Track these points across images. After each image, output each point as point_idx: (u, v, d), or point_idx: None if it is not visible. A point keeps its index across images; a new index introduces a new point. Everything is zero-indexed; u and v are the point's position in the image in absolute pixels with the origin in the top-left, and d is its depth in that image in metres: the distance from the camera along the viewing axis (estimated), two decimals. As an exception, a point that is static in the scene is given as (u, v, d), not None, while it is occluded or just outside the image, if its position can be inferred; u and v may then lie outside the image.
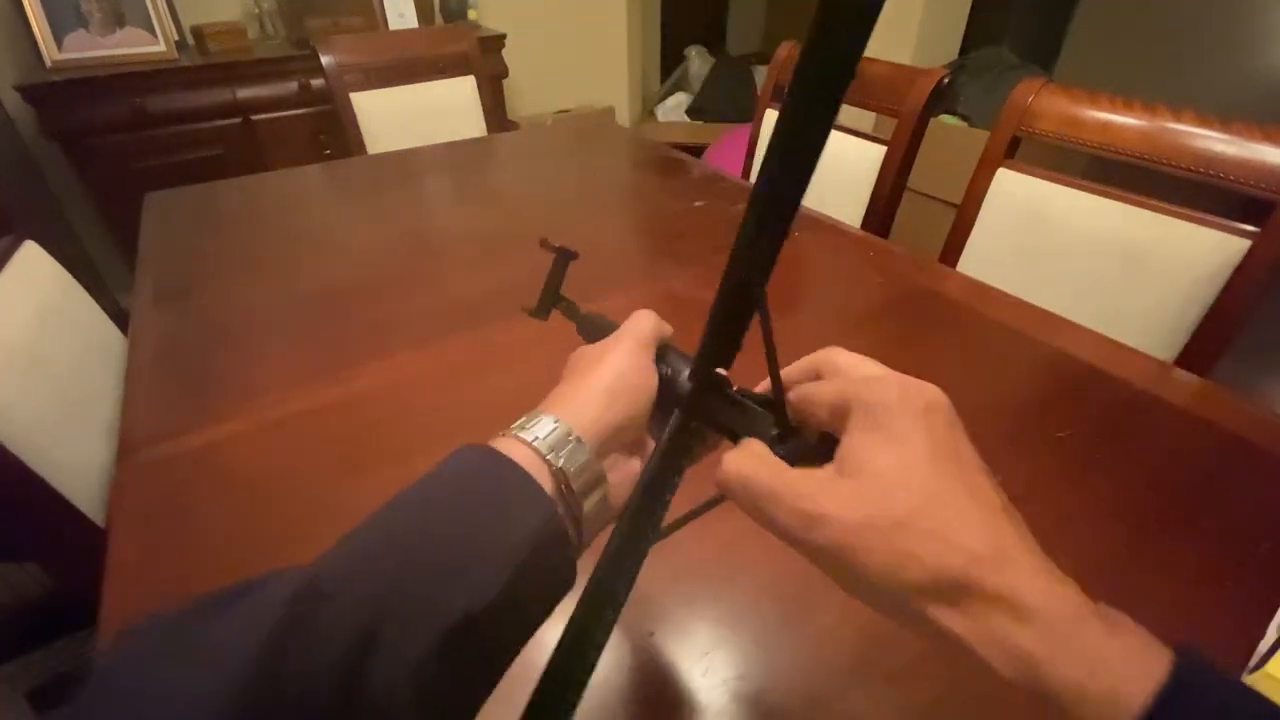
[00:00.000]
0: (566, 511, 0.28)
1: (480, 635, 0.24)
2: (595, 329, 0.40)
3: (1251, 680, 0.40)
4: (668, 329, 0.35)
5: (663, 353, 0.34)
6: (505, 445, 0.28)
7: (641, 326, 0.34)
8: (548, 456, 0.28)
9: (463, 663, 0.23)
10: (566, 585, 0.28)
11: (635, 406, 0.31)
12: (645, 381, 0.32)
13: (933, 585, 0.21)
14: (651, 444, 0.34)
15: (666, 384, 0.33)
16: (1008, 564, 0.21)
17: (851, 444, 0.24)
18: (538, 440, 0.28)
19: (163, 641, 0.21)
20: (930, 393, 0.25)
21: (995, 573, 0.20)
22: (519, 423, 0.29)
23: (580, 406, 0.30)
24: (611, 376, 0.31)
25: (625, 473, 0.32)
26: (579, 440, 0.29)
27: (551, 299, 0.44)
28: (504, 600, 0.24)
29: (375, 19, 2.12)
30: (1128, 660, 0.19)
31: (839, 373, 0.28)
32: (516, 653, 0.26)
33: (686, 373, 0.33)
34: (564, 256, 0.43)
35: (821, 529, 0.22)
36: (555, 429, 0.28)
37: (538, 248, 0.42)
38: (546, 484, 0.27)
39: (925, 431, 0.23)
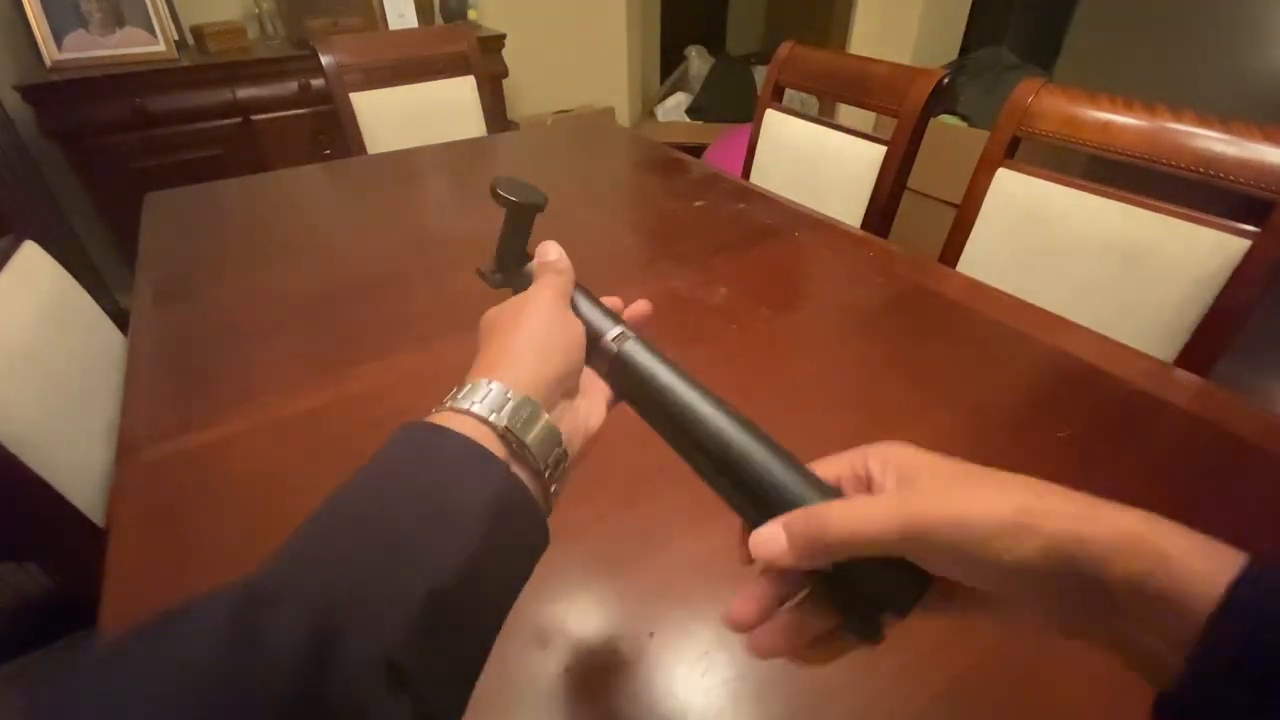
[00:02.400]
0: (527, 472, 0.28)
1: (456, 608, 0.23)
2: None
3: (1251, 680, 0.39)
4: (563, 260, 0.36)
5: (574, 301, 0.35)
6: (444, 418, 0.27)
7: (554, 280, 0.35)
8: (490, 419, 0.27)
9: (443, 637, 0.23)
10: (539, 545, 0.28)
11: (569, 357, 0.32)
12: (572, 332, 0.33)
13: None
14: (592, 389, 0.35)
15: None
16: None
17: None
18: (475, 406, 0.27)
19: (88, 693, 0.19)
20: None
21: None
22: (451, 394, 0.29)
23: (512, 366, 0.29)
24: (539, 333, 0.31)
25: (571, 422, 0.32)
26: (523, 398, 0.28)
27: (519, 259, 0.38)
28: (473, 571, 0.24)
29: (375, 19, 2.12)
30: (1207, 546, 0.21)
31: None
32: (504, 615, 0.26)
33: (607, 330, 0.34)
34: (522, 210, 0.36)
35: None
36: (490, 391, 0.28)
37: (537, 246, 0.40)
38: (496, 448, 0.27)
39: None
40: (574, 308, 0.35)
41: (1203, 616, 0.20)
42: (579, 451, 0.32)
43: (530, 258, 0.38)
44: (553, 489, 0.29)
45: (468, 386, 0.28)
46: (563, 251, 0.37)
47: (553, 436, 0.29)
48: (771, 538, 0.26)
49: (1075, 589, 0.22)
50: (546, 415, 0.29)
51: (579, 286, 0.37)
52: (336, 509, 0.25)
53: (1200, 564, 0.21)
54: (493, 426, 0.27)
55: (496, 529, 0.25)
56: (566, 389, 0.32)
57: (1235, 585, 0.20)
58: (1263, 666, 0.19)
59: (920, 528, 0.23)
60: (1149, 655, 0.22)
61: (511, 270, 0.38)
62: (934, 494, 0.24)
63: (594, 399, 0.34)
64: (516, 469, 0.27)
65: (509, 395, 0.28)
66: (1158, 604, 0.21)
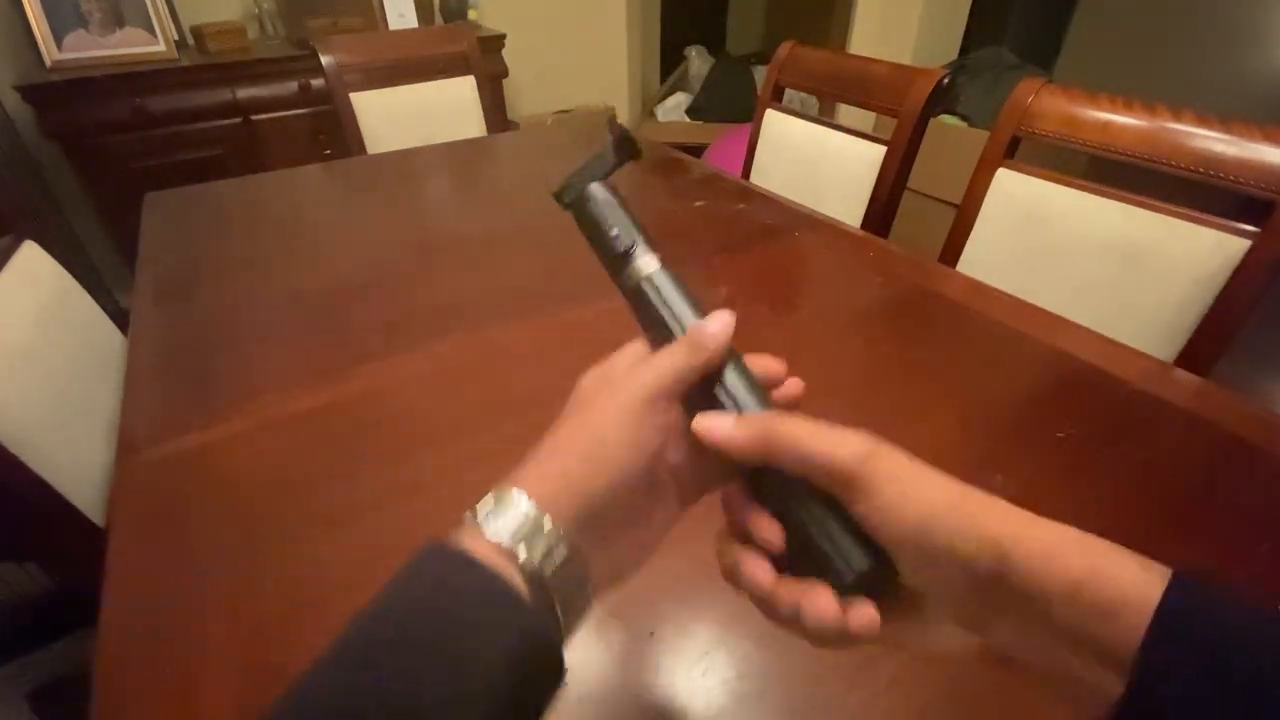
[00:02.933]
0: (548, 609, 0.25)
1: None
2: (658, 307, 0.31)
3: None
4: (719, 343, 0.29)
5: (716, 380, 0.30)
6: (472, 539, 0.25)
7: (666, 365, 0.28)
8: (519, 556, 0.24)
9: None
10: (557, 682, 0.25)
11: (621, 478, 0.27)
12: (635, 449, 0.27)
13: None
14: (653, 516, 0.30)
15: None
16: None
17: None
18: (502, 539, 0.25)
19: None
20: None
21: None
22: (487, 505, 0.26)
23: (555, 479, 0.26)
24: (593, 441, 0.27)
25: (607, 563, 0.28)
26: (553, 527, 0.25)
27: (583, 182, 0.34)
28: None
29: (375, 19, 2.12)
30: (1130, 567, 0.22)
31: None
32: None
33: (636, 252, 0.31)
34: (625, 144, 0.33)
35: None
36: (524, 516, 0.25)
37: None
38: (519, 581, 0.24)
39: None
40: (718, 386, 0.29)
41: (1138, 627, 0.20)
42: (604, 590, 0.28)
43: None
44: (571, 624, 0.27)
45: (505, 499, 0.25)
46: (726, 328, 0.30)
47: (581, 586, 0.26)
48: (721, 417, 0.28)
49: (1007, 594, 0.22)
50: (577, 548, 0.26)
51: (734, 363, 0.30)
52: (350, 657, 0.23)
53: (1134, 572, 0.21)
54: (518, 564, 0.25)
55: (516, 680, 0.23)
56: (617, 517, 0.27)
57: (1170, 591, 0.20)
58: (1212, 670, 0.19)
59: (877, 462, 0.24)
60: (1078, 679, 0.22)
61: (573, 189, 0.34)
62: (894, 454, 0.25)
63: (645, 536, 0.30)
64: (540, 608, 0.25)
65: (543, 526, 0.25)
66: (1092, 613, 0.21)
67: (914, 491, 0.24)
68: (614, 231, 0.32)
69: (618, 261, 0.32)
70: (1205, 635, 0.20)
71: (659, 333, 0.31)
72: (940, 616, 0.25)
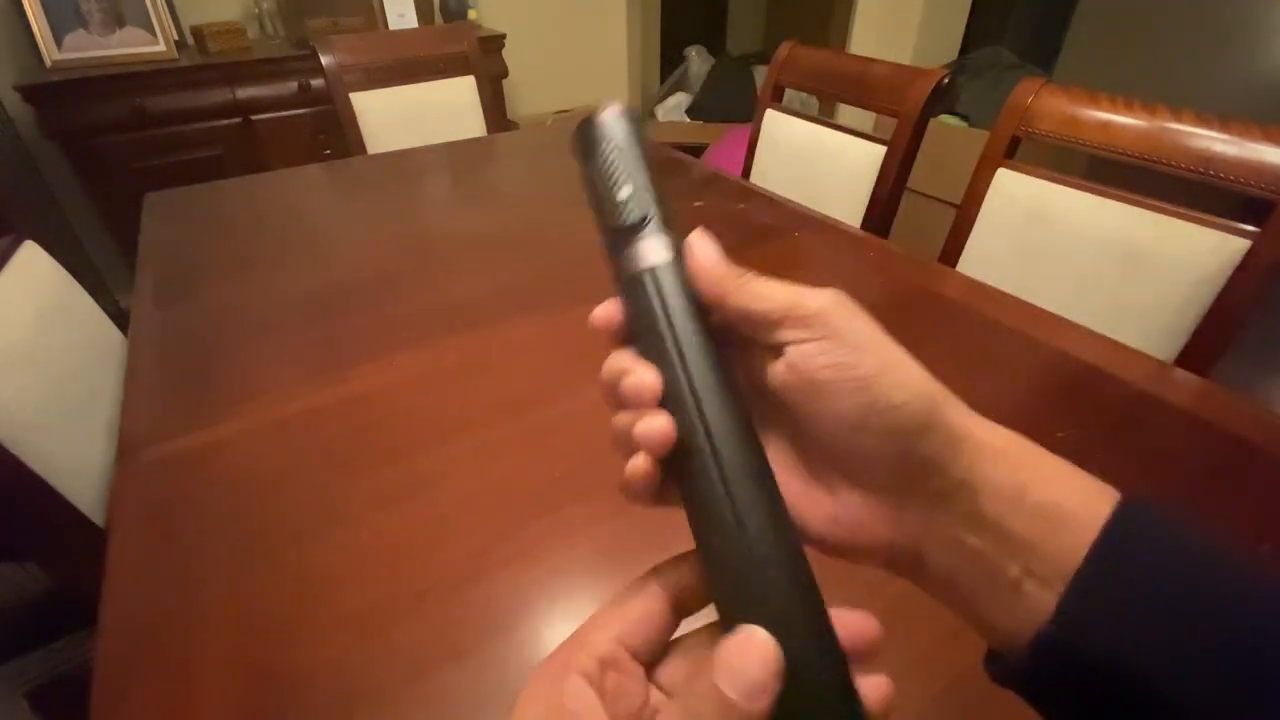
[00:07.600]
0: None
1: None
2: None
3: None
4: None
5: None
6: None
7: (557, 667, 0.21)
8: None
9: None
10: None
11: None
12: None
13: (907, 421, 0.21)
14: None
15: None
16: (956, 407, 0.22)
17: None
18: None
19: None
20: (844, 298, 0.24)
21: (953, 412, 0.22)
22: None
23: None
24: None
25: None
26: None
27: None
28: None
29: (375, 19, 2.12)
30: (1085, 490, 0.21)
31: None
32: None
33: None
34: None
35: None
36: None
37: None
38: None
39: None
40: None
41: (1082, 544, 0.19)
42: None
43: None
44: None
45: None
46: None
47: None
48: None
49: (949, 488, 0.21)
50: None
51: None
52: None
53: (1079, 483, 0.21)
54: None
55: None
56: None
57: (1120, 510, 0.20)
58: (1154, 598, 0.19)
59: (845, 306, 0.23)
60: (1010, 592, 0.20)
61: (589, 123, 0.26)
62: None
63: None
64: None
65: None
66: (1038, 519, 0.20)
67: (873, 344, 0.22)
68: (622, 192, 0.25)
69: (618, 235, 0.25)
70: (1148, 562, 0.19)
71: (649, 345, 0.24)
72: (856, 483, 0.22)
